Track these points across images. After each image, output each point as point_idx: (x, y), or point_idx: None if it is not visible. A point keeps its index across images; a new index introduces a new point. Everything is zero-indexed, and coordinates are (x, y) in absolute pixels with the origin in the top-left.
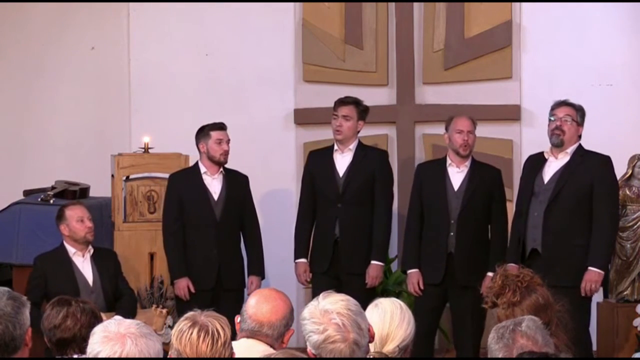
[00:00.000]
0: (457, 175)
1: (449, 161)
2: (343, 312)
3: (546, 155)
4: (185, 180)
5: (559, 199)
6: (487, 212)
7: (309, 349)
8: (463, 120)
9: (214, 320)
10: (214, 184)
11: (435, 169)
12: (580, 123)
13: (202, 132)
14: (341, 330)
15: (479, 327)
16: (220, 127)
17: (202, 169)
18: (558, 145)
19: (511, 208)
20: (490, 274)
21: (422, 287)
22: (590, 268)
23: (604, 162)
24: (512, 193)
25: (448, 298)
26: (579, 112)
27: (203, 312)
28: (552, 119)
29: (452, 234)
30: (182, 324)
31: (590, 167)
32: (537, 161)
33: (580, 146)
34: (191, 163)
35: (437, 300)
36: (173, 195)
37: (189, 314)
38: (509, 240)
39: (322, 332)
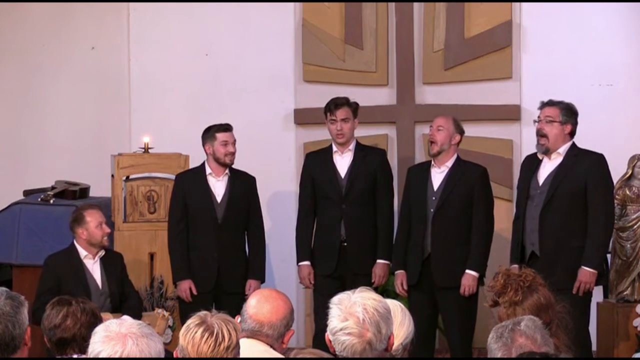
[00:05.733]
0: (437, 175)
1: (432, 162)
2: (370, 310)
3: (540, 156)
4: (190, 181)
5: (552, 201)
6: (467, 211)
7: (327, 332)
8: (437, 118)
9: (222, 323)
10: (218, 186)
11: (421, 170)
12: (565, 122)
13: (208, 134)
14: (360, 325)
15: (466, 328)
16: (226, 128)
17: (208, 170)
18: (544, 153)
19: (511, 209)
20: (470, 271)
21: (405, 288)
22: (583, 267)
23: (597, 160)
24: (512, 193)
25: (436, 300)
26: (564, 111)
27: (215, 314)
28: (535, 120)
29: (428, 234)
30: (191, 321)
31: (582, 166)
32: (532, 162)
33: (573, 145)
34: (191, 163)
35: (424, 303)
36: (178, 196)
37: (202, 312)
38: (511, 243)
39: (343, 320)
